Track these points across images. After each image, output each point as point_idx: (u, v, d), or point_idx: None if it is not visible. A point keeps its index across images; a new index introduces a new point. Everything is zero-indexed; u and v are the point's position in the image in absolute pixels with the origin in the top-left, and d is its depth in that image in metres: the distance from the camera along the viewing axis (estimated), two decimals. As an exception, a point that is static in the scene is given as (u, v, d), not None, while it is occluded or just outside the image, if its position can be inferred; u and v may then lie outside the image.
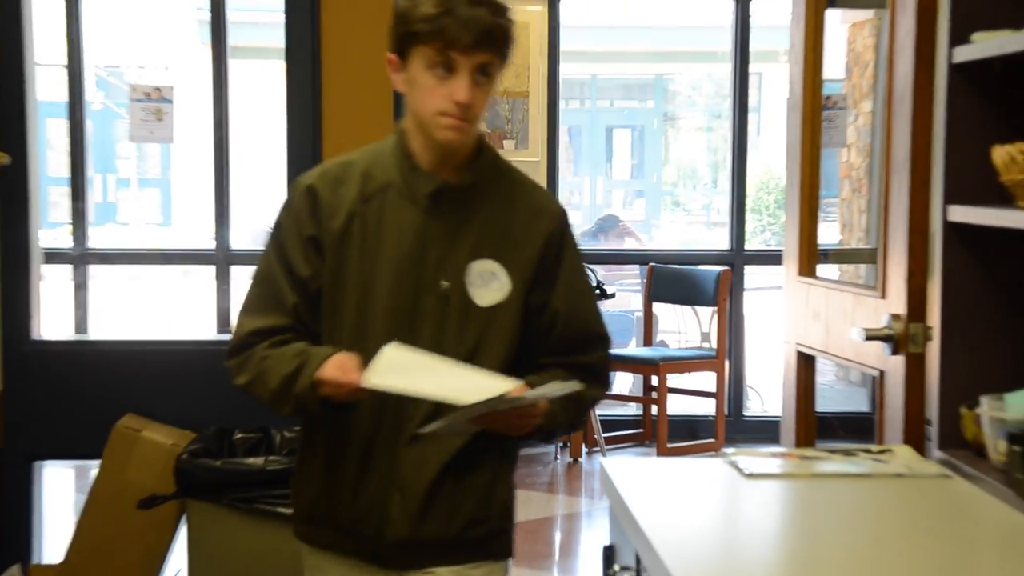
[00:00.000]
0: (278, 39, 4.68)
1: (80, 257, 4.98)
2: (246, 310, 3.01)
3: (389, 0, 4.56)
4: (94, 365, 4.68)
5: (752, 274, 8.70)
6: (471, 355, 2.96)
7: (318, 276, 2.95)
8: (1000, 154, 2.87)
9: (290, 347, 2.93)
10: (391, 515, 3.00)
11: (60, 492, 4.95)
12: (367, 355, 2.83)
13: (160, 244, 5.71)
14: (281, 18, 4.66)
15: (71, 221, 4.99)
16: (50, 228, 4.95)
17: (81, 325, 5.03)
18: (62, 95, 4.99)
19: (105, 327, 5.21)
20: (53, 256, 5.00)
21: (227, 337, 4.86)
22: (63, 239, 5.02)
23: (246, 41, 5.68)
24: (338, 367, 2.85)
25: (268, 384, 2.91)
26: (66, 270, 5.12)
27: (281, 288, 2.95)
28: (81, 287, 5.10)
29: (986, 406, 3.00)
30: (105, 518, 4.40)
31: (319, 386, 2.85)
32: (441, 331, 2.97)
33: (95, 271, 5.12)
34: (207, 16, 5.12)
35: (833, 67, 3.97)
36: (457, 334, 2.97)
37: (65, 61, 4.91)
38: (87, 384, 4.64)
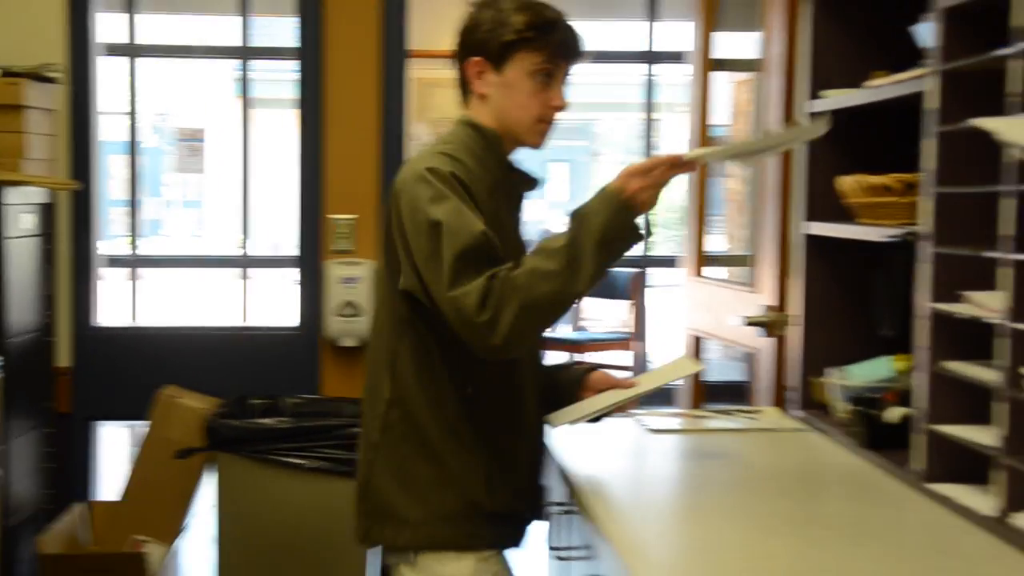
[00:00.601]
0: (293, 92, 4.69)
1: (134, 261, 4.98)
2: (461, 283, 2.20)
3: (373, 64, 4.61)
4: (142, 346, 4.68)
5: (658, 274, 8.74)
6: None
7: None
8: (844, 183, 2.89)
9: (549, 240, 2.29)
10: (542, 496, 2.63)
11: (116, 446, 4.93)
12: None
13: (196, 252, 5.73)
14: (296, 76, 4.67)
15: (128, 233, 4.99)
16: (111, 239, 4.98)
17: (134, 315, 5.03)
18: (122, 136, 4.97)
19: (152, 316, 5.21)
20: (113, 261, 4.96)
21: (247, 325, 4.96)
22: (121, 248, 5.02)
23: (268, 94, 5.72)
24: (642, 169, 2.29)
25: (579, 255, 2.22)
26: (123, 272, 5.12)
27: (492, 245, 2.26)
28: (135, 286, 5.10)
29: (833, 376, 3.04)
30: (150, 466, 4.40)
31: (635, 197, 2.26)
32: None
33: (145, 272, 5.14)
34: (239, 74, 5.11)
35: (720, 115, 4.01)
36: None
37: (126, 109, 4.91)
38: (137, 361, 4.64)
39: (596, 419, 2.60)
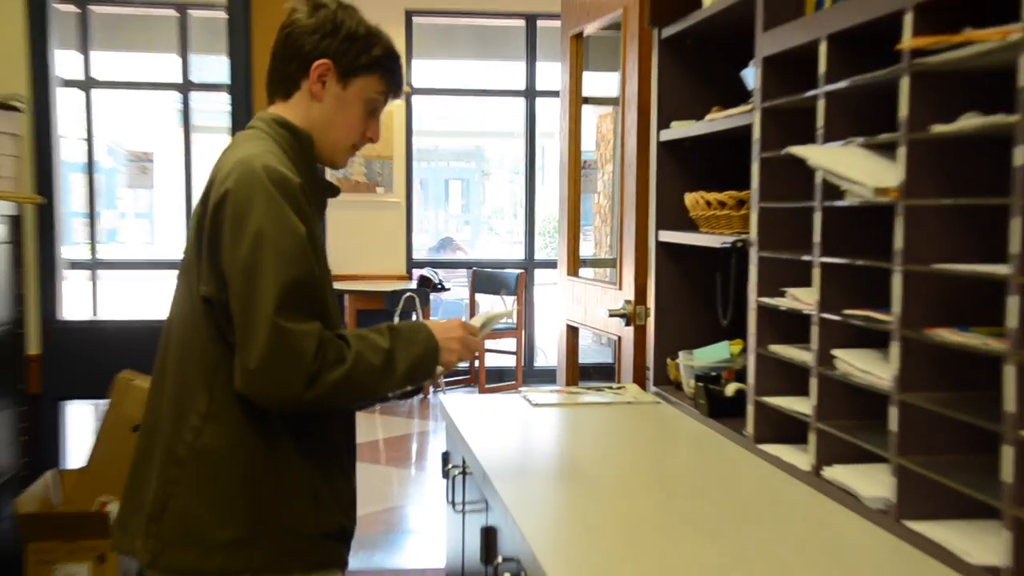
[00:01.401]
0: (227, 120, 4.66)
1: (93, 265, 4.90)
2: (298, 319, 1.84)
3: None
4: (102, 337, 4.61)
5: (540, 275, 8.76)
6: None
7: None
8: (689, 199, 2.91)
9: (370, 334, 1.98)
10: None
11: (80, 422, 4.85)
12: None
13: (147, 256, 5.62)
14: (228, 106, 4.63)
15: (88, 241, 4.92)
16: (72, 245, 4.89)
17: (94, 310, 4.95)
18: (81, 157, 4.90)
19: (109, 311, 5.12)
20: (75, 264, 4.88)
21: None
22: (82, 253, 4.94)
23: (206, 122, 5.66)
24: (463, 328, 2.11)
25: (394, 368, 1.95)
26: (84, 273, 5.04)
27: (322, 293, 1.95)
28: (94, 285, 5.02)
29: (682, 358, 3.06)
30: (111, 438, 4.35)
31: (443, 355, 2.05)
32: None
33: (103, 274, 5.06)
34: (180, 105, 5.06)
35: (588, 142, 4.05)
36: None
37: (83, 134, 4.84)
38: (97, 349, 4.57)
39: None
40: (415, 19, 7.76)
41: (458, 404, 3.04)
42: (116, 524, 2.07)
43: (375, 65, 2.07)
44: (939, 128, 1.74)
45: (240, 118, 4.60)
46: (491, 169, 21.79)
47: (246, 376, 1.86)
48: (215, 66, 5.01)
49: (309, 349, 1.83)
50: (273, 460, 1.96)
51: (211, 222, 1.91)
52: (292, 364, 1.83)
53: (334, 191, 2.22)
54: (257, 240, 1.85)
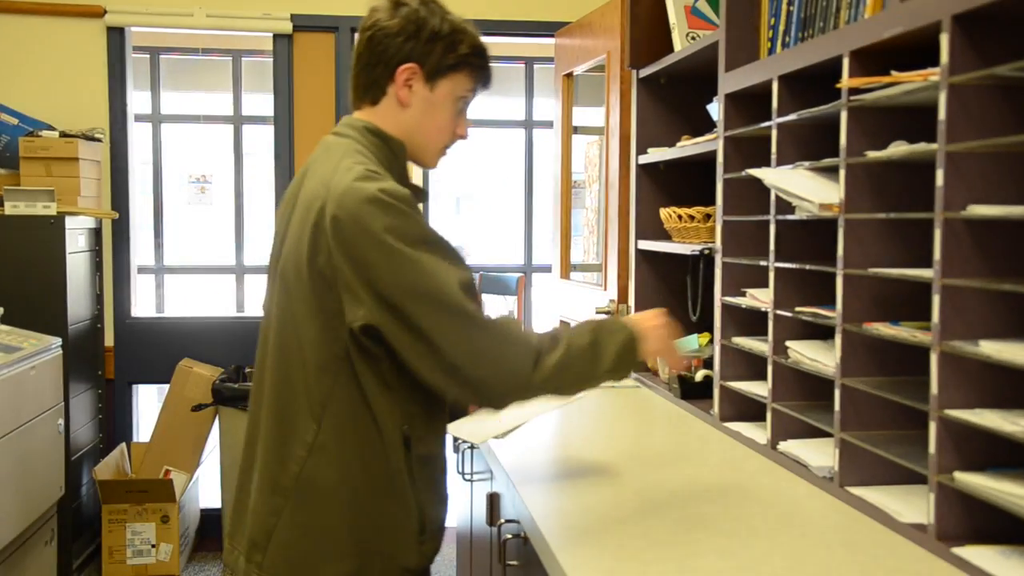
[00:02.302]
0: (271, 147, 4.66)
1: (158, 269, 4.91)
2: (486, 316, 1.57)
3: (329, 128, 4.60)
4: (166, 331, 4.60)
5: (537, 278, 8.75)
6: None
7: None
8: (663, 213, 2.90)
9: (565, 328, 1.68)
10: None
11: (148, 403, 4.86)
12: None
13: (204, 262, 5.64)
14: (273, 136, 4.63)
15: (154, 250, 4.93)
16: (142, 253, 4.92)
17: (159, 307, 4.96)
18: (150, 179, 4.91)
19: (173, 309, 5.12)
20: (143, 269, 4.89)
21: (242, 315, 4.91)
22: (149, 259, 4.96)
23: (256, 148, 5.68)
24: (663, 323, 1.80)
25: (602, 352, 1.65)
26: (151, 277, 5.05)
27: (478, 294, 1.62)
28: (160, 287, 5.03)
29: None
30: (172, 417, 4.35)
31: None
32: None
33: (167, 278, 5.06)
34: (233, 136, 5.06)
35: (578, 165, 4.05)
36: None
37: (152, 160, 4.86)
38: (162, 341, 4.57)
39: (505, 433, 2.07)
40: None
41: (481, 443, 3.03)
42: (226, 535, 1.77)
43: (462, 63, 1.71)
44: (873, 154, 1.74)
45: (283, 146, 4.61)
46: (495, 187, 21.74)
47: (472, 386, 1.56)
48: (263, 102, 5.00)
49: (519, 331, 1.59)
50: (381, 494, 1.62)
51: (341, 251, 1.54)
52: (514, 348, 1.56)
53: (423, 197, 1.84)
54: (413, 259, 1.52)
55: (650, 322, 1.78)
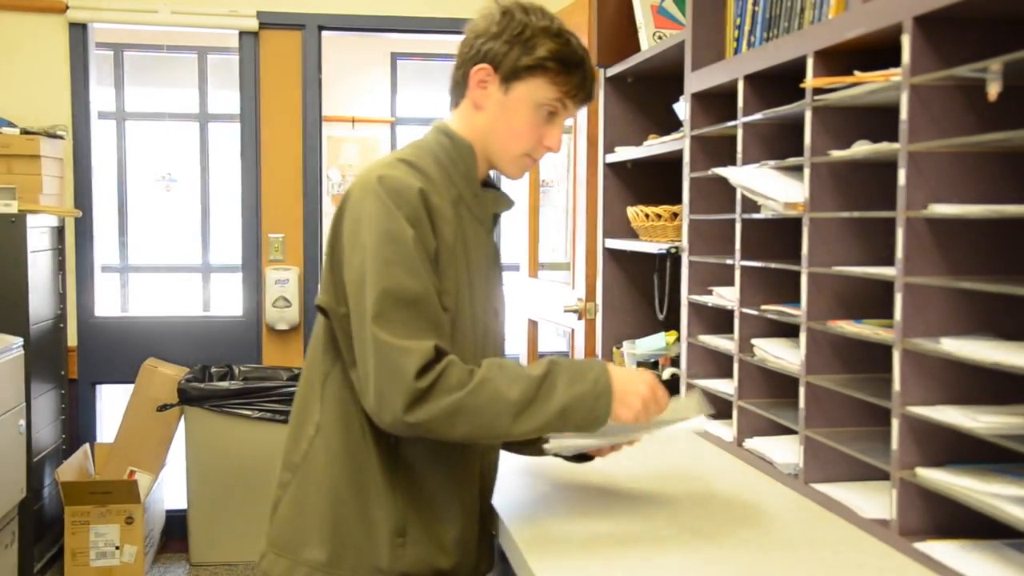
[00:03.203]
0: (239, 145, 4.63)
1: (123, 268, 4.87)
2: (401, 333, 1.45)
3: (296, 125, 4.59)
4: (130, 330, 4.56)
5: (506, 277, 8.73)
6: None
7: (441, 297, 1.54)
8: (630, 211, 2.91)
9: (519, 364, 1.52)
10: (487, 551, 1.77)
11: (112, 403, 4.81)
12: None
13: (169, 262, 5.61)
14: (240, 133, 4.61)
15: (118, 248, 4.89)
16: (105, 252, 4.89)
17: (123, 307, 4.92)
18: (114, 177, 4.87)
19: (137, 308, 5.08)
20: (107, 268, 4.84)
21: (207, 314, 4.88)
22: (113, 258, 4.91)
23: (221, 146, 5.65)
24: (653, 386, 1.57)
25: (537, 404, 1.46)
26: (115, 276, 5.01)
27: (435, 308, 1.50)
28: (124, 286, 4.99)
29: (625, 346, 3.05)
30: (137, 417, 4.32)
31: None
32: (498, 344, 1.74)
33: (131, 276, 5.04)
34: (199, 134, 5.03)
35: (546, 164, 4.08)
36: (501, 343, 1.76)
37: (116, 159, 4.82)
38: (126, 340, 4.53)
39: (583, 457, 1.84)
40: (399, 61, 7.74)
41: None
42: None
43: (539, 67, 1.60)
44: (837, 153, 1.76)
45: (249, 144, 4.58)
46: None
47: (360, 390, 1.52)
48: (229, 100, 4.97)
49: (408, 366, 1.42)
50: (360, 486, 1.58)
51: (331, 233, 1.59)
52: (390, 381, 1.43)
53: (506, 204, 1.75)
54: (364, 248, 1.49)
55: (634, 386, 1.56)
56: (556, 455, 1.72)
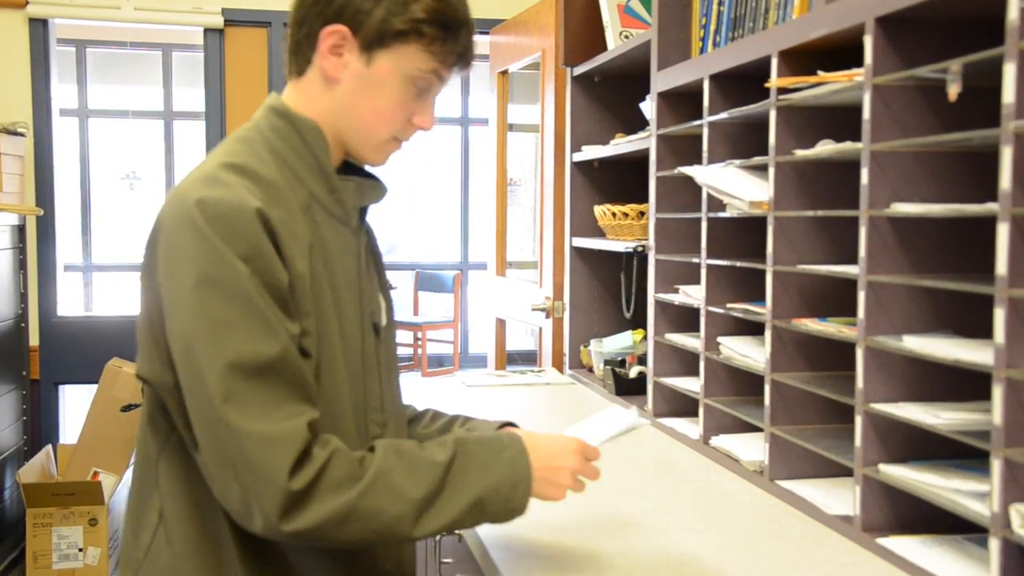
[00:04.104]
0: (202, 143, 4.60)
1: (86, 267, 4.82)
2: (261, 416, 1.12)
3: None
4: (94, 329, 4.52)
5: (473, 275, 8.75)
6: (397, 394, 1.48)
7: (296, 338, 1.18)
8: (597, 210, 2.92)
9: (421, 446, 1.25)
10: None
11: (75, 404, 4.76)
12: (356, 421, 1.29)
13: (133, 260, 5.57)
14: (205, 131, 4.57)
15: (82, 247, 4.84)
16: (68, 251, 4.84)
17: (86, 306, 4.87)
18: (77, 176, 4.82)
19: (100, 308, 5.03)
20: (70, 267, 4.79)
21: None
22: (76, 257, 4.86)
23: (186, 144, 5.61)
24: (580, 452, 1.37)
25: (444, 500, 1.21)
26: (78, 275, 4.96)
27: (297, 367, 1.16)
28: (88, 285, 4.94)
29: (593, 345, 3.07)
30: (101, 418, 4.27)
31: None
32: (387, 375, 1.40)
33: (95, 275, 4.99)
34: (164, 132, 4.99)
35: (513, 163, 4.08)
36: (392, 374, 1.44)
37: (79, 156, 4.77)
38: (89, 340, 4.49)
39: None
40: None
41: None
42: None
43: (413, 32, 1.25)
44: (801, 153, 1.77)
45: (214, 142, 4.55)
46: (431, 185, 21.64)
47: (216, 488, 1.18)
48: (194, 97, 4.94)
49: (278, 463, 1.11)
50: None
51: (142, 274, 1.24)
52: (256, 482, 1.12)
53: (375, 193, 1.37)
54: (186, 307, 1.14)
55: (559, 461, 1.35)
56: None
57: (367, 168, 1.41)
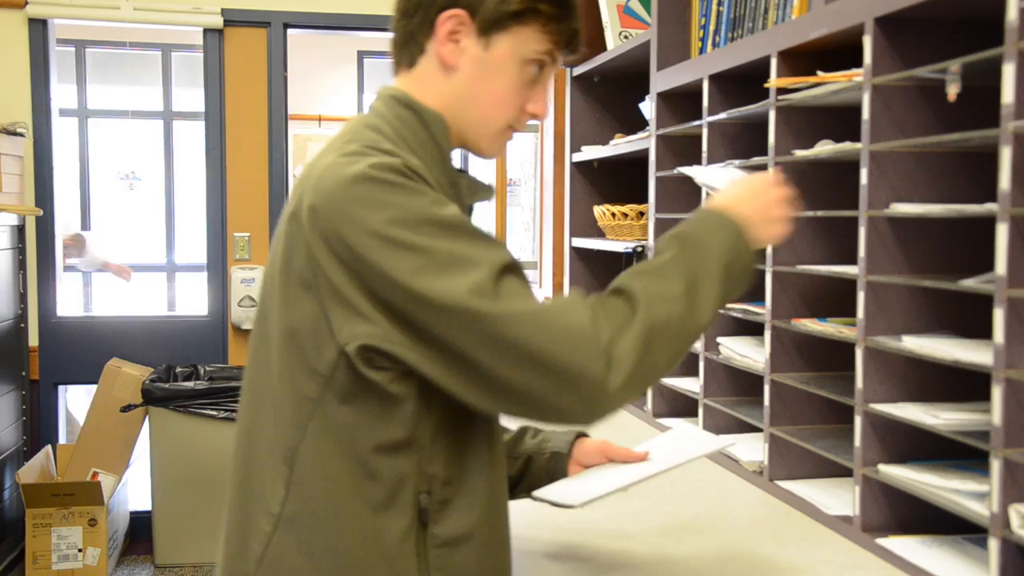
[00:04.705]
0: (202, 144, 4.60)
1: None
2: (536, 299, 1.09)
3: (262, 123, 4.56)
4: (93, 330, 4.52)
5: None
6: None
7: None
8: (597, 211, 2.92)
9: (638, 264, 1.19)
10: None
11: (75, 404, 4.77)
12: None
13: (133, 261, 5.56)
14: (205, 131, 4.57)
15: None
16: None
17: (86, 306, 4.88)
18: (76, 176, 4.83)
19: (100, 308, 5.05)
20: (70, 268, 4.80)
21: (172, 313, 4.84)
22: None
23: (186, 144, 5.61)
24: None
25: (701, 281, 1.16)
26: (78, 275, 4.97)
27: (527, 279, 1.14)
28: (87, 285, 4.95)
29: None
30: (101, 418, 4.28)
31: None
32: None
33: (95, 276, 5.00)
34: (163, 132, 4.99)
35: (513, 164, 4.09)
36: None
37: (78, 156, 4.78)
38: (89, 340, 4.49)
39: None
40: (366, 60, 7.73)
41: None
42: None
43: (530, 11, 1.22)
44: (800, 153, 1.77)
45: (214, 143, 4.55)
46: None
47: (534, 405, 1.09)
48: (194, 98, 4.94)
49: (579, 320, 1.07)
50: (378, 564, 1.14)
51: (326, 248, 1.11)
52: (573, 352, 1.06)
53: (485, 192, 1.34)
54: (431, 247, 1.08)
55: (757, 196, 1.28)
56: (538, 499, 1.48)
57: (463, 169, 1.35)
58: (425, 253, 1.07)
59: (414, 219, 1.08)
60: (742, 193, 1.28)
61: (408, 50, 1.27)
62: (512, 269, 1.10)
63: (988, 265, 1.29)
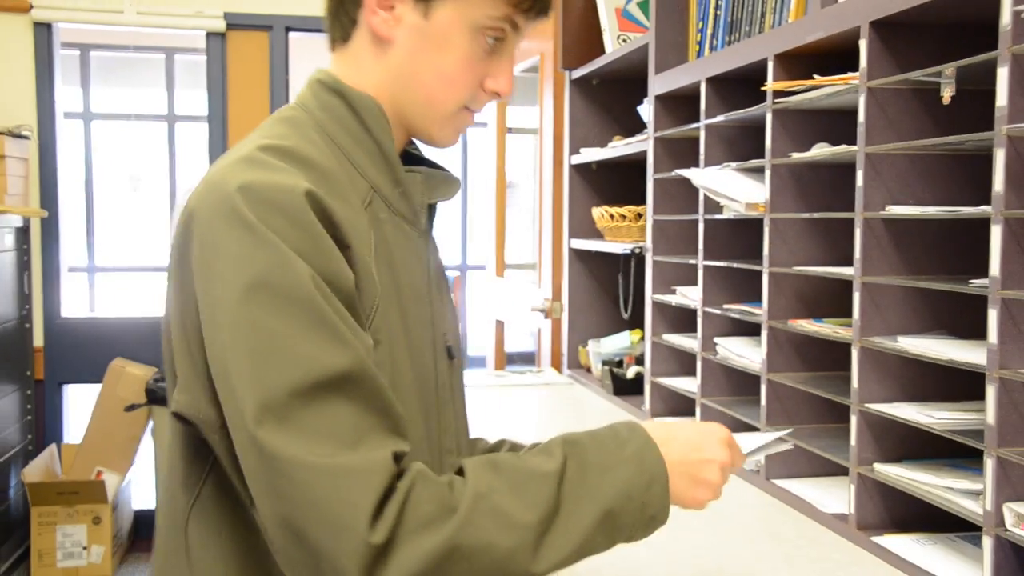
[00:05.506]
0: (205, 146, 4.59)
1: (90, 268, 4.83)
2: (332, 445, 0.83)
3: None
4: (98, 330, 4.52)
5: (472, 276, 8.76)
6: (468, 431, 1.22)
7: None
8: (596, 212, 2.91)
9: (520, 456, 0.97)
10: None
11: (79, 404, 4.76)
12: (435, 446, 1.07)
13: (137, 262, 5.55)
14: (207, 133, 4.57)
15: (86, 248, 4.85)
16: (72, 252, 4.85)
17: (90, 307, 4.87)
18: (80, 177, 4.83)
19: (104, 308, 5.05)
20: (74, 268, 4.80)
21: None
22: (80, 258, 4.88)
23: (189, 147, 5.61)
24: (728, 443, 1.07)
25: (565, 519, 0.91)
26: (83, 276, 4.97)
27: (375, 382, 0.88)
28: (92, 286, 4.95)
29: (591, 345, 3.06)
30: (105, 417, 4.28)
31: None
32: (460, 401, 1.19)
33: (99, 277, 4.99)
34: (167, 135, 4.99)
35: (512, 165, 4.10)
36: (463, 401, 1.21)
37: (82, 158, 4.78)
38: (93, 341, 4.49)
39: None
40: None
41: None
42: None
43: None
44: (797, 155, 1.77)
45: (217, 145, 4.55)
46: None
47: (275, 545, 0.90)
48: (197, 100, 4.94)
49: (355, 499, 0.83)
50: None
51: (171, 279, 0.97)
52: (326, 534, 0.83)
53: (447, 188, 1.13)
54: (234, 314, 0.87)
55: (704, 453, 1.04)
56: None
57: (426, 159, 1.17)
58: (242, 328, 0.87)
59: (249, 279, 0.87)
60: (684, 435, 1.03)
61: (339, 22, 1.07)
62: (336, 386, 0.86)
63: (982, 266, 1.30)
